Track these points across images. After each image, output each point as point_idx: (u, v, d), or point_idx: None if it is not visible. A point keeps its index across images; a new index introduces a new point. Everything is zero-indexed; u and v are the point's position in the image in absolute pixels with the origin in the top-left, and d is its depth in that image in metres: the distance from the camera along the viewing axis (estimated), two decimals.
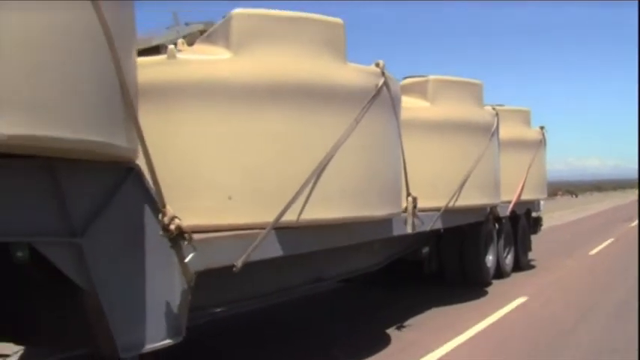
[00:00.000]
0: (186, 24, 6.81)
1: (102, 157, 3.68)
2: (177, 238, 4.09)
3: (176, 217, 4.04)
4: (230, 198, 5.07)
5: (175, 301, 4.33)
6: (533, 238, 13.82)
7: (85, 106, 3.26)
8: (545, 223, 15.85)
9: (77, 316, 3.99)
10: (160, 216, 4.03)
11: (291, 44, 5.41)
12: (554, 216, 29.62)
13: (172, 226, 4.01)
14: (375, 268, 8.35)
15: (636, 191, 49.81)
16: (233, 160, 5.11)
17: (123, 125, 3.66)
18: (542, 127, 12.74)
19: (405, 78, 8.89)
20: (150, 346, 4.09)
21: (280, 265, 6.04)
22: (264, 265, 5.47)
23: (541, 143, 12.58)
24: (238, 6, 5.27)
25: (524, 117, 12.31)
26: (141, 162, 4.00)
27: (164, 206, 4.02)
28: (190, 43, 6.26)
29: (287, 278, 6.59)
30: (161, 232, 4.04)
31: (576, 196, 61.26)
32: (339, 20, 5.78)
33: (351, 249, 6.88)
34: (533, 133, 12.48)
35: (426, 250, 9.75)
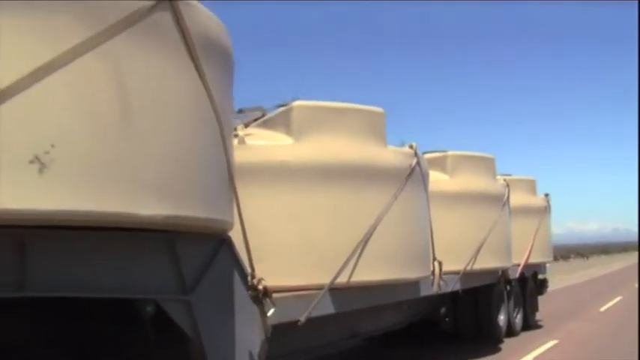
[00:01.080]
0: (240, 110, 7.76)
1: (210, 230, 4.56)
2: (262, 296, 4.95)
3: (262, 278, 4.90)
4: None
5: (256, 350, 5.14)
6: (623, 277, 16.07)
7: (210, 188, 4.18)
8: (590, 275, 22.37)
9: None
10: (249, 278, 4.89)
11: (341, 131, 6.38)
12: (590, 272, 38.38)
13: (260, 286, 4.87)
14: (401, 325, 9.16)
15: None
16: (295, 230, 6.01)
17: (229, 202, 4.57)
18: (546, 195, 13.73)
19: (425, 153, 9.85)
20: None
21: (323, 322, 6.85)
22: (310, 321, 6.29)
23: (546, 210, 13.53)
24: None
25: (531, 186, 13.31)
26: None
27: (253, 269, 4.89)
28: (245, 126, 7.23)
29: (328, 334, 7.37)
30: (249, 291, 4.89)
31: (587, 258, 62.99)
32: (380, 110, 6.77)
33: (383, 308, 7.70)
34: (538, 200, 13.45)
35: (443, 309, 10.59)
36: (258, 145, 6.19)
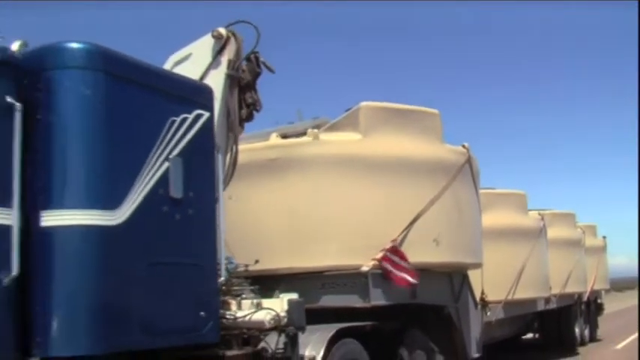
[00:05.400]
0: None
1: (469, 269, 8.62)
2: (485, 305, 9.03)
3: (487, 295, 8.98)
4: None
5: (478, 336, 9.17)
6: None
7: (478, 242, 8.29)
8: None
9: (447, 345, 8.70)
10: (480, 294, 8.97)
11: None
12: None
13: (486, 299, 8.96)
14: (515, 332, 13.17)
15: None
16: (491, 270, 10.01)
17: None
18: (604, 237, 17.80)
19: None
20: (476, 355, 8.92)
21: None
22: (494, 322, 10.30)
23: (604, 248, 17.57)
24: None
25: (593, 230, 17.37)
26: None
27: (482, 289, 8.96)
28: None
29: (496, 332, 11.30)
30: (480, 302, 8.96)
31: None
32: (522, 192, 10.92)
33: (512, 318, 11.74)
34: (599, 241, 17.50)
35: (536, 323, 14.59)
36: None
